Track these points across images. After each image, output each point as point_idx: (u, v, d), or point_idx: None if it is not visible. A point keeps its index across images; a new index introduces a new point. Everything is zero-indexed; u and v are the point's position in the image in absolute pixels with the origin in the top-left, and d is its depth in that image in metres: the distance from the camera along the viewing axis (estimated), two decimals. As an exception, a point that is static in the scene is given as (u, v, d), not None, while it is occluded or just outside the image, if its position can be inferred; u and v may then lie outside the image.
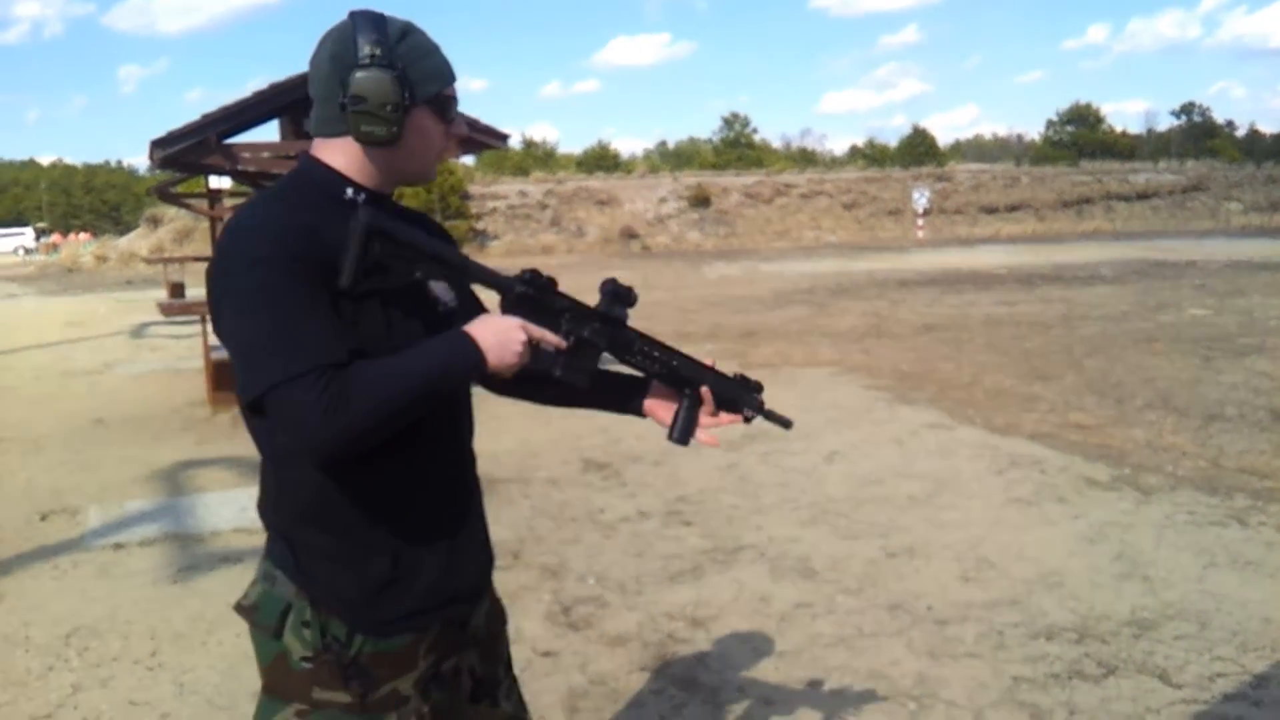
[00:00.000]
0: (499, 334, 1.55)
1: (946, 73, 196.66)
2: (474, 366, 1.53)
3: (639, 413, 1.91)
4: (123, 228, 60.19)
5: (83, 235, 58.09)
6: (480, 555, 1.83)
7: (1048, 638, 3.67)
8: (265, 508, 1.69)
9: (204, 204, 21.73)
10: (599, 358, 1.71)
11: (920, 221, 37.90)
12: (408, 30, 1.61)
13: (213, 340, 9.77)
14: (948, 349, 11.10)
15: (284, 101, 9.38)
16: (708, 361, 1.86)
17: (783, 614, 3.96)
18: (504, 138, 9.38)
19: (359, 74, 1.53)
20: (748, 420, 1.87)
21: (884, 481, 5.86)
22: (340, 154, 1.61)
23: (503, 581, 4.40)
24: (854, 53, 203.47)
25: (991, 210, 43.60)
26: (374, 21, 1.58)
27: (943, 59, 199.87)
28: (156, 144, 8.34)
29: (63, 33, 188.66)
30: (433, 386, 1.50)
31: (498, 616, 1.99)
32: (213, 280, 1.52)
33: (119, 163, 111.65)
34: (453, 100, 1.67)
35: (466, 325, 1.57)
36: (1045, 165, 55.07)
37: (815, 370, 9.81)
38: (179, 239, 35.97)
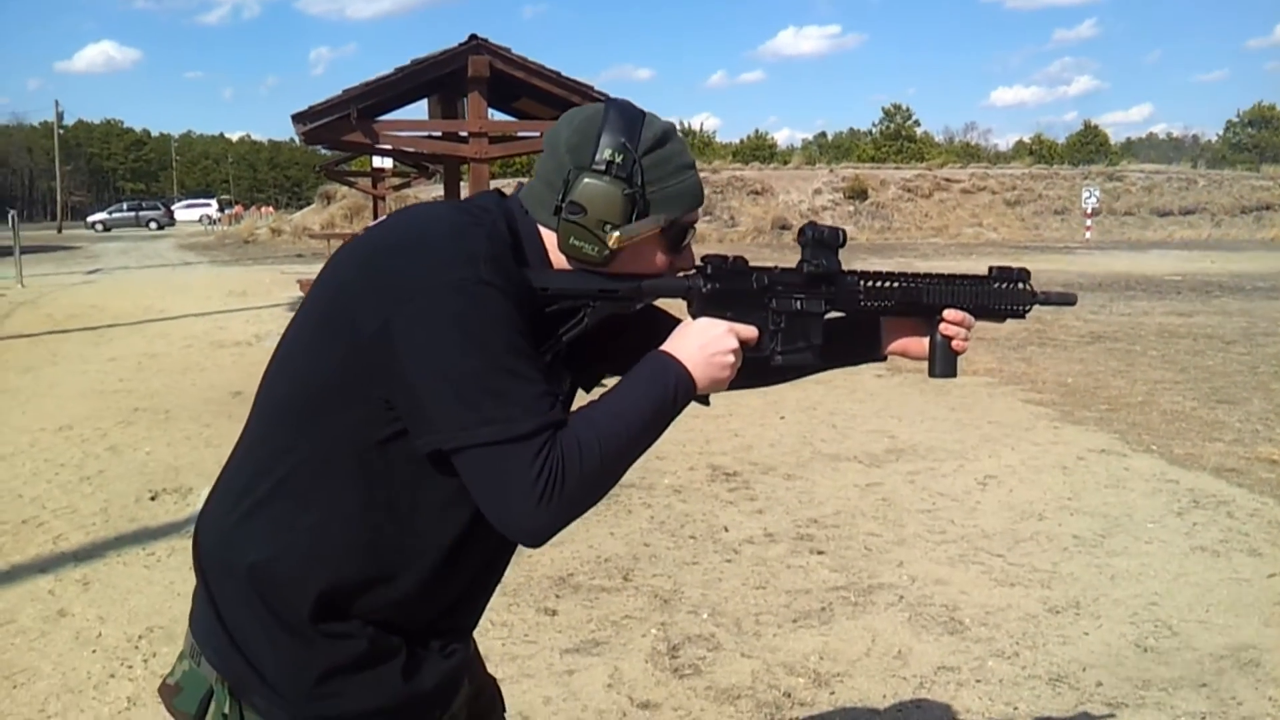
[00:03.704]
0: (703, 348, 1.33)
1: (1122, 69, 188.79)
2: (685, 397, 1.32)
3: (882, 358, 1.64)
4: (303, 203, 62.59)
5: (266, 209, 60.61)
6: (465, 651, 1.46)
7: (1248, 739, 3.05)
8: (229, 541, 1.33)
9: (368, 183, 22.32)
10: (822, 325, 1.48)
11: (1088, 222, 35.93)
12: (664, 139, 1.35)
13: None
14: (1118, 362, 10.19)
15: (430, 78, 9.16)
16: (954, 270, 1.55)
17: (922, 678, 3.42)
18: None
19: (587, 179, 1.29)
20: (1023, 316, 1.62)
21: (1046, 516, 5.21)
22: (548, 235, 1.36)
23: (609, 606, 4.03)
24: (1027, 47, 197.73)
25: (1164, 213, 41.15)
26: (628, 120, 1.32)
27: (1119, 55, 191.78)
28: (297, 118, 8.26)
29: (260, 15, 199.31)
30: (648, 437, 1.30)
31: (488, 702, 1.61)
32: (385, 277, 1.22)
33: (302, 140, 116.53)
34: (689, 228, 1.36)
35: (665, 344, 1.35)
36: (1223, 168, 52.01)
37: (970, 379, 9.09)
38: (350, 216, 37.03)
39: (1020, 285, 1.59)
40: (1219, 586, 4.28)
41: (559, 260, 1.35)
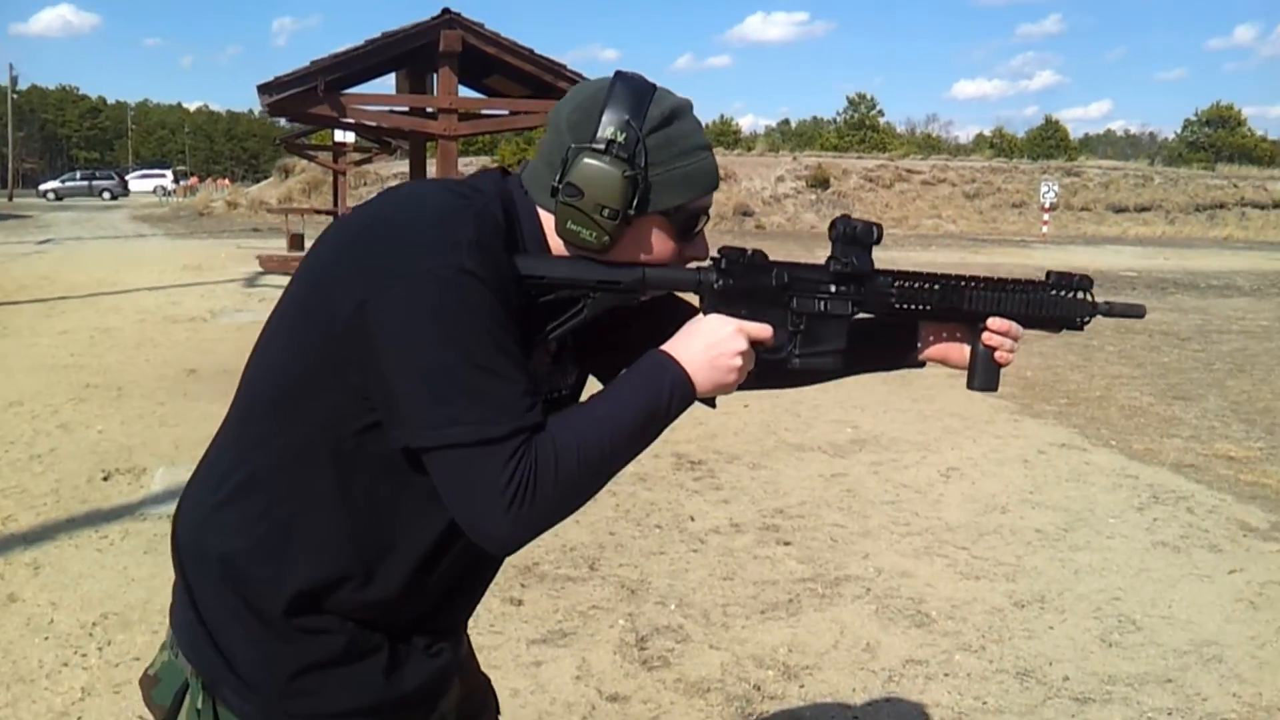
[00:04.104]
0: (708, 349, 1.23)
1: (1084, 65, 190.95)
2: (683, 402, 1.23)
3: (917, 365, 1.53)
4: (259, 176, 61.67)
5: (222, 181, 59.57)
6: (455, 651, 1.39)
7: (1213, 736, 3.07)
8: (204, 532, 1.27)
9: (329, 157, 22.01)
10: (846, 329, 1.36)
11: (1046, 216, 36.27)
12: (672, 117, 1.25)
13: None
14: (1076, 356, 10.29)
15: (399, 52, 8.97)
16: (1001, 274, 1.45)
17: (891, 671, 3.41)
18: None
19: (586, 159, 1.20)
20: (1081, 328, 1.49)
21: (1009, 509, 5.24)
22: (546, 218, 1.28)
23: (575, 596, 3.98)
24: (992, 41, 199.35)
25: (1120, 209, 41.72)
26: (635, 95, 1.23)
27: (1081, 51, 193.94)
28: (263, 89, 8.07)
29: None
30: (636, 444, 1.20)
31: (480, 703, 1.55)
32: (364, 261, 1.14)
33: (263, 112, 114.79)
34: (701, 215, 1.26)
35: (668, 342, 1.25)
36: (1179, 166, 52.85)
37: (931, 370, 9.09)
38: (307, 190, 36.58)
39: (1080, 294, 1.46)
40: (1181, 582, 4.32)
41: (558, 245, 1.26)
